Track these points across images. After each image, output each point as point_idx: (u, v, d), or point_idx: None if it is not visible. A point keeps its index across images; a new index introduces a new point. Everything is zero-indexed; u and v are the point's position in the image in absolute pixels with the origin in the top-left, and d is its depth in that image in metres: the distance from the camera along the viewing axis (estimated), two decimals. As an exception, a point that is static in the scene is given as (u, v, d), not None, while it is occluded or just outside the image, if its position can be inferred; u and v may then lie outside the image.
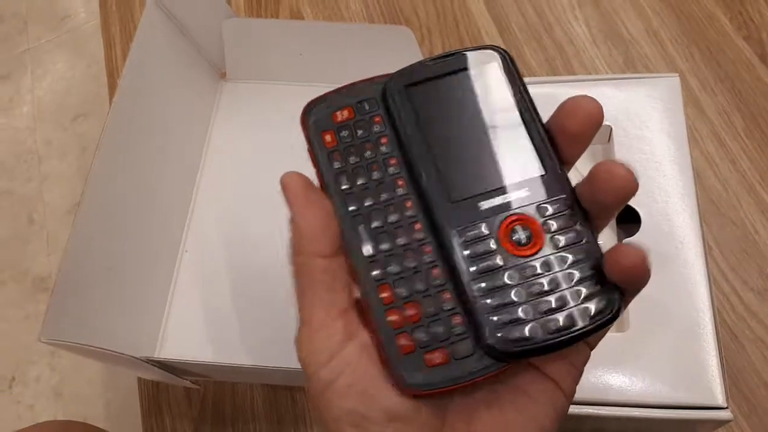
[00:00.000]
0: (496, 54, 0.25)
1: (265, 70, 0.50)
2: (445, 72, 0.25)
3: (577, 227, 0.22)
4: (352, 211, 0.24)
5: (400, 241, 0.23)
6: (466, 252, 0.22)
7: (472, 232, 0.23)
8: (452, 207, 0.23)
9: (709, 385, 0.34)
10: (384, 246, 0.23)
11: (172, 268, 0.45)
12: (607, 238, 0.41)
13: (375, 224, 0.23)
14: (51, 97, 0.81)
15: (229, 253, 0.45)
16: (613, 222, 0.41)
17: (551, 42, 0.56)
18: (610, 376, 0.35)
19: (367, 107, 0.25)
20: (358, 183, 0.24)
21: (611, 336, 0.37)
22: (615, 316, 0.21)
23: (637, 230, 0.38)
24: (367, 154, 0.24)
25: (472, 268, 0.22)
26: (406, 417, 0.22)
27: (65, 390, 0.60)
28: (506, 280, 0.22)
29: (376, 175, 0.24)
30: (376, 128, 0.25)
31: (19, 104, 0.81)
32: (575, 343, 0.21)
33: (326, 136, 0.25)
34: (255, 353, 0.41)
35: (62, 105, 0.80)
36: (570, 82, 0.43)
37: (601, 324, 0.21)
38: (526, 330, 0.21)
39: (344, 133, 0.25)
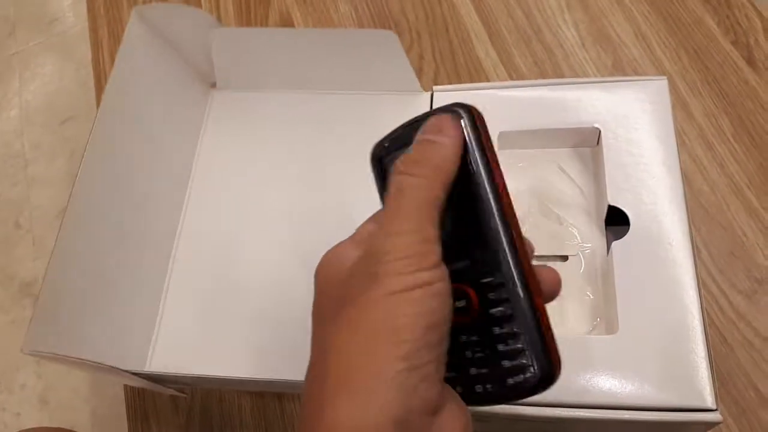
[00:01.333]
0: (461, 114, 0.25)
1: (254, 79, 0.49)
2: (412, 139, 0.25)
3: (507, 302, 0.24)
4: None
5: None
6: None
7: None
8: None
9: (698, 387, 0.34)
10: None
11: (162, 278, 0.44)
12: (596, 241, 0.41)
13: None
14: (39, 101, 0.80)
15: (221, 263, 0.44)
16: (602, 224, 0.41)
17: (540, 45, 0.56)
18: (600, 378, 0.35)
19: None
20: None
21: (601, 338, 0.37)
22: (539, 387, 0.23)
23: (626, 232, 0.38)
24: None
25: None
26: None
27: (51, 397, 0.59)
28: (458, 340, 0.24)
29: None
30: None
31: (6, 108, 0.81)
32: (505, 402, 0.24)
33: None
34: (248, 364, 0.40)
35: (50, 108, 0.79)
36: (559, 86, 0.43)
37: (524, 395, 0.23)
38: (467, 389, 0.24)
39: None
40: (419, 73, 0.56)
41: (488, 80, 0.55)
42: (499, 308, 0.24)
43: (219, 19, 0.63)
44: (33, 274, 0.67)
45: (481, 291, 0.24)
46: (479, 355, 0.24)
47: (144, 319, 0.42)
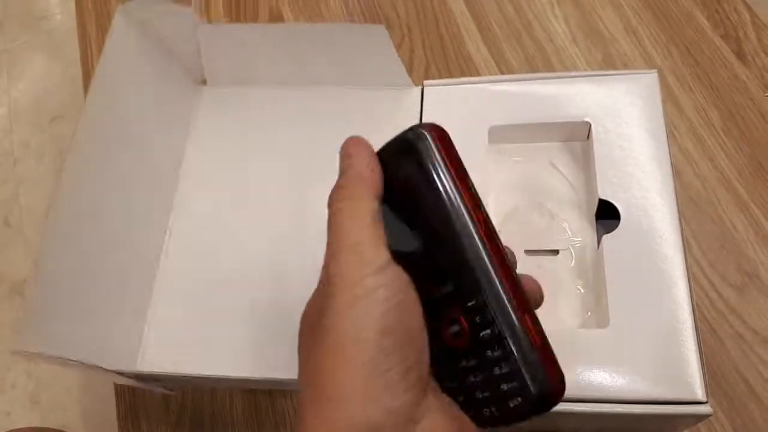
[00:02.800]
0: (424, 136, 0.25)
1: (242, 75, 0.49)
2: (389, 162, 0.26)
3: (495, 323, 0.23)
4: None
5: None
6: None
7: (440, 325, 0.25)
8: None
9: (688, 380, 0.34)
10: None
11: (151, 276, 0.44)
12: (587, 235, 0.41)
13: None
14: (28, 99, 0.80)
15: (210, 261, 0.44)
16: (592, 218, 0.41)
17: (530, 40, 0.56)
18: (590, 372, 0.35)
19: None
20: None
21: (591, 333, 0.37)
22: (541, 406, 0.23)
23: (616, 226, 0.38)
24: None
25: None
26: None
27: (42, 397, 0.59)
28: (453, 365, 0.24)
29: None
30: None
31: (-6, 106, 0.80)
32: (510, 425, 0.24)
33: None
34: (239, 363, 0.40)
35: (39, 106, 0.79)
36: (549, 80, 0.43)
37: (524, 416, 0.23)
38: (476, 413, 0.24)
39: None
40: (410, 68, 0.56)
41: (479, 75, 0.55)
42: (487, 331, 0.23)
43: (208, 15, 0.63)
44: (24, 274, 0.66)
45: (469, 314, 0.24)
46: (479, 378, 0.24)
47: (133, 319, 0.42)
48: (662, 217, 0.38)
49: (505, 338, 0.23)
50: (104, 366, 0.35)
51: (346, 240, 0.24)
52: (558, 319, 0.39)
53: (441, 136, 0.25)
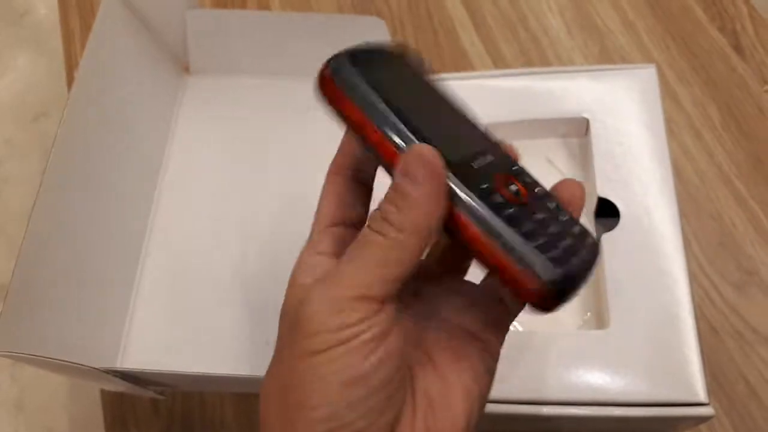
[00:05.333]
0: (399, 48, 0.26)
1: (230, 63, 0.48)
2: (381, 61, 0.25)
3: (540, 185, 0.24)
4: None
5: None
6: (493, 204, 0.22)
7: (486, 190, 0.23)
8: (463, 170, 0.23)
9: (690, 382, 0.34)
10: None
11: (133, 273, 0.43)
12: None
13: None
14: (11, 96, 0.78)
15: (195, 256, 0.43)
16: (591, 216, 0.40)
17: (526, 33, 0.55)
18: (591, 374, 0.34)
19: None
20: None
21: (591, 333, 0.37)
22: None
23: (616, 224, 0.37)
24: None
25: (495, 220, 0.22)
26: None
27: (27, 402, 0.58)
28: (528, 218, 0.22)
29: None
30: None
31: (-24, 103, 0.78)
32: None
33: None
34: (223, 361, 0.39)
35: (23, 103, 0.77)
36: (547, 74, 0.42)
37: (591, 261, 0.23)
38: (563, 260, 0.22)
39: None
40: (403, 62, 0.55)
41: (474, 69, 0.54)
42: (538, 187, 0.24)
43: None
44: (7, 275, 0.65)
45: (517, 176, 0.24)
46: (555, 229, 0.23)
47: (114, 316, 0.41)
48: (662, 215, 0.37)
49: (549, 195, 0.24)
50: (85, 363, 0.34)
51: (354, 278, 0.21)
52: (557, 319, 0.38)
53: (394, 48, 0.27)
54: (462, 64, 0.54)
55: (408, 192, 0.21)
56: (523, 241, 0.21)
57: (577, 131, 0.42)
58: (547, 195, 0.24)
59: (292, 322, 0.22)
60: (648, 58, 0.52)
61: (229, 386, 0.43)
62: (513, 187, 0.23)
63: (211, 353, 0.40)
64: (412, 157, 0.21)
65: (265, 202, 0.44)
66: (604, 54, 0.53)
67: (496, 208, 0.22)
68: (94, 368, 0.34)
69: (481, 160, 0.23)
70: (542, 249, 0.21)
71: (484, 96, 0.42)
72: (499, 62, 0.54)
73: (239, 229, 0.43)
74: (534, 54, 0.54)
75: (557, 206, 0.24)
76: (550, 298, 0.21)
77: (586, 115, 0.40)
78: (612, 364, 0.34)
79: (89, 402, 0.54)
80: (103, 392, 0.46)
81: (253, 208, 0.44)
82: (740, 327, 0.43)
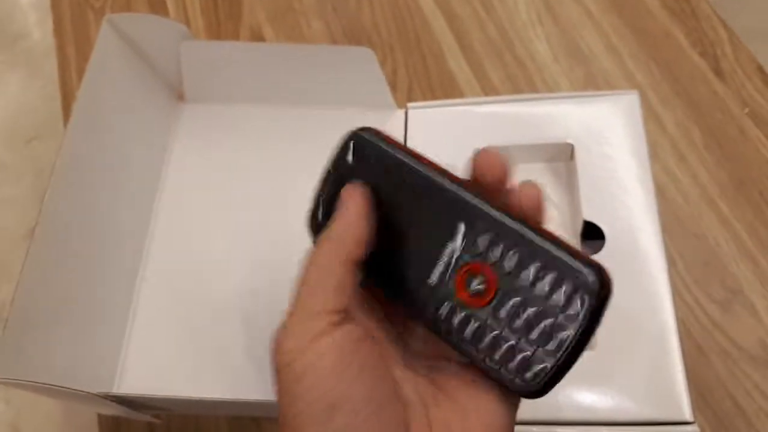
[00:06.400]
0: (356, 137, 0.26)
1: (225, 92, 0.49)
2: (347, 171, 0.26)
3: (515, 245, 0.22)
4: None
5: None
6: (450, 328, 0.23)
7: (443, 309, 0.23)
8: (419, 296, 0.24)
9: (676, 400, 0.34)
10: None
11: (130, 298, 0.43)
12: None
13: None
14: (3, 119, 0.78)
15: (191, 281, 0.44)
16: (577, 239, 0.41)
17: (512, 59, 0.56)
18: (579, 394, 0.35)
19: None
20: None
21: (579, 354, 0.37)
22: (603, 294, 0.21)
23: (602, 247, 0.38)
24: None
25: (462, 337, 0.23)
26: (374, 411, 0.22)
27: (22, 425, 0.57)
28: (490, 332, 0.22)
29: None
30: None
31: (-30, 127, 0.79)
32: (586, 344, 0.21)
33: None
34: (219, 385, 0.40)
35: (16, 127, 0.77)
36: (533, 100, 0.43)
37: (596, 309, 0.21)
38: (535, 365, 0.21)
39: None
40: (393, 87, 0.56)
41: (462, 94, 0.55)
42: (510, 253, 0.22)
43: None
44: (1, 298, 0.65)
45: (486, 258, 0.22)
46: (529, 312, 0.21)
47: (111, 341, 0.42)
48: (646, 237, 0.38)
49: (537, 250, 0.21)
50: (82, 388, 0.34)
51: (308, 292, 0.23)
52: (545, 340, 0.39)
53: (378, 132, 0.26)
54: (450, 89, 0.56)
55: (337, 215, 0.24)
56: (486, 360, 0.22)
57: (562, 156, 0.43)
58: (530, 254, 0.22)
59: (272, 368, 0.23)
60: (632, 82, 0.54)
61: (225, 410, 0.43)
62: (477, 284, 0.22)
63: (208, 377, 0.40)
64: (343, 192, 0.25)
65: (261, 229, 0.44)
66: (589, 78, 0.54)
67: (457, 330, 0.23)
68: (91, 393, 0.35)
69: (441, 264, 0.23)
70: (505, 362, 0.22)
71: (473, 122, 0.43)
72: (486, 87, 0.55)
73: (235, 255, 0.44)
74: (521, 79, 0.55)
75: (543, 264, 0.21)
76: (531, 396, 0.22)
77: (571, 141, 0.41)
78: (599, 384, 0.35)
79: (85, 426, 0.54)
80: (99, 417, 0.46)
81: (248, 235, 0.44)
82: (726, 345, 0.44)
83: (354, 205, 0.24)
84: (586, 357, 0.36)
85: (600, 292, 0.21)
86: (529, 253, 0.22)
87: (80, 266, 0.40)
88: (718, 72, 0.54)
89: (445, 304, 0.23)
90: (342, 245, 0.23)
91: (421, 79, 0.57)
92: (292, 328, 0.22)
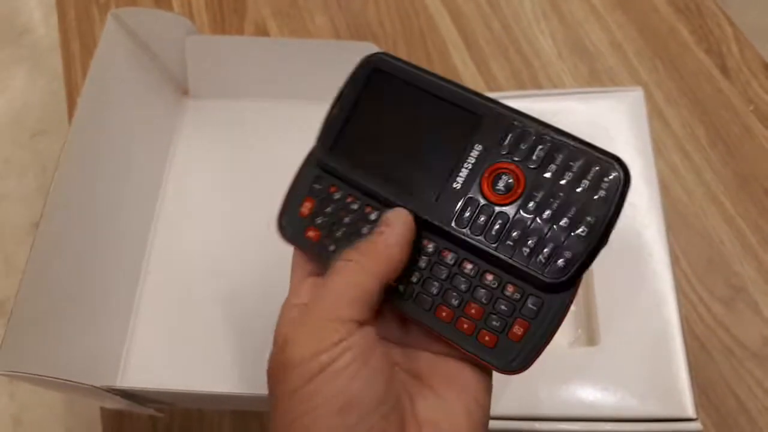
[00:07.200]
0: (375, 59, 0.26)
1: (229, 88, 0.49)
2: (349, 108, 0.26)
3: (539, 141, 0.23)
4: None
5: (423, 263, 0.24)
6: (476, 228, 0.23)
7: (467, 211, 0.23)
8: (439, 204, 0.24)
9: (679, 397, 0.34)
10: (414, 278, 0.24)
11: (133, 292, 0.43)
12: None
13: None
14: (9, 114, 0.79)
15: (194, 275, 0.44)
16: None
17: (517, 55, 0.56)
18: (581, 390, 0.35)
19: (319, 186, 0.26)
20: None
21: (582, 350, 0.37)
22: (627, 178, 0.22)
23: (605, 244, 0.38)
24: (348, 220, 0.25)
25: (489, 236, 0.23)
26: (385, 410, 0.22)
27: (25, 418, 0.58)
28: (519, 227, 0.23)
29: (366, 229, 0.25)
30: (338, 195, 0.26)
31: (-25, 122, 0.79)
32: (611, 231, 0.22)
33: (309, 233, 0.26)
34: (221, 379, 0.40)
35: (20, 122, 0.78)
36: (537, 97, 0.43)
37: (621, 194, 0.22)
38: (566, 252, 0.22)
39: (319, 221, 0.26)
40: (397, 83, 0.56)
41: (466, 91, 0.55)
42: (535, 149, 0.23)
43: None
44: (4, 292, 0.65)
45: (512, 151, 0.23)
46: (560, 199, 0.22)
47: (114, 335, 0.42)
48: (650, 234, 0.38)
49: (560, 144, 0.23)
50: (85, 382, 0.34)
51: (324, 305, 0.22)
52: (549, 337, 0.39)
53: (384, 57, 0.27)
54: (455, 85, 0.56)
55: (380, 230, 0.23)
56: (514, 256, 0.23)
57: (567, 152, 0.43)
58: (548, 153, 0.23)
59: (278, 368, 0.22)
60: (636, 80, 0.53)
61: (227, 404, 0.43)
62: (505, 182, 0.23)
63: (210, 371, 0.40)
64: (391, 213, 0.24)
65: (264, 224, 0.44)
66: (594, 75, 0.54)
67: (485, 230, 0.23)
68: (94, 386, 0.35)
69: (461, 175, 0.24)
70: (535, 254, 0.22)
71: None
72: (491, 84, 0.55)
73: (238, 250, 0.44)
74: (525, 75, 0.55)
75: (570, 151, 0.22)
76: (558, 287, 0.23)
77: (575, 137, 0.41)
78: (602, 381, 0.35)
79: (88, 420, 0.54)
80: (102, 410, 0.47)
81: (252, 230, 0.44)
82: (729, 342, 0.44)
83: (402, 226, 0.24)
84: (589, 353, 0.36)
85: (625, 176, 0.22)
86: (553, 148, 0.23)
87: (84, 260, 0.40)
88: (724, 69, 0.54)
89: (471, 206, 0.23)
90: (386, 265, 0.23)
91: (426, 75, 0.56)
92: (311, 328, 0.22)
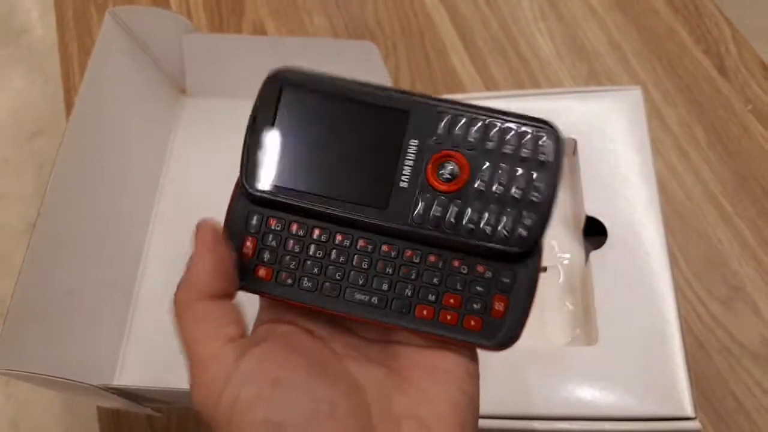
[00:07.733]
0: (280, 75, 0.26)
1: (226, 86, 0.49)
2: (267, 133, 0.26)
3: (470, 122, 0.23)
4: (333, 287, 0.24)
5: (390, 269, 0.24)
6: (434, 220, 0.23)
7: (421, 207, 0.23)
8: (390, 208, 0.24)
9: (677, 396, 0.34)
10: (384, 286, 0.24)
11: (131, 291, 0.43)
12: (574, 251, 0.41)
13: (361, 282, 0.24)
14: (6, 114, 0.79)
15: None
16: (579, 235, 0.41)
17: (516, 55, 0.56)
18: (580, 390, 0.35)
19: (255, 222, 0.26)
20: (315, 272, 0.25)
21: (580, 349, 0.37)
22: (558, 137, 0.23)
23: (604, 242, 0.38)
24: (297, 249, 0.25)
25: (449, 225, 0.23)
26: (324, 413, 0.21)
27: (22, 420, 0.58)
28: (476, 208, 0.23)
29: (320, 252, 0.25)
30: (279, 226, 0.25)
31: (-28, 122, 0.79)
32: (558, 188, 0.23)
33: (260, 272, 0.26)
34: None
35: (18, 122, 0.77)
36: (535, 96, 0.43)
37: (558, 151, 0.23)
38: (526, 220, 0.23)
39: (267, 257, 0.25)
40: (395, 83, 0.56)
41: (464, 91, 0.55)
42: (469, 130, 0.23)
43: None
44: (2, 292, 0.65)
45: (448, 144, 0.23)
46: (509, 175, 0.23)
47: (111, 334, 0.42)
48: (648, 233, 0.38)
49: (491, 121, 0.23)
50: (82, 380, 0.34)
51: (196, 354, 0.24)
52: (547, 336, 0.39)
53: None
54: (453, 85, 0.56)
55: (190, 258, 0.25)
56: (474, 239, 0.23)
57: (565, 151, 0.43)
58: (483, 131, 0.23)
59: (211, 417, 0.24)
60: (635, 80, 0.53)
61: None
62: (449, 169, 0.23)
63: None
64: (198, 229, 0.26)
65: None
66: (592, 75, 0.54)
67: (441, 221, 0.23)
68: (91, 385, 0.35)
69: (407, 166, 0.24)
70: (494, 229, 0.23)
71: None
72: (489, 83, 0.55)
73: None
74: (524, 75, 0.55)
75: (499, 135, 0.23)
76: (505, 348, 0.23)
77: (573, 136, 0.41)
78: (601, 380, 0.35)
79: (85, 420, 0.54)
80: (99, 409, 0.47)
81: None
82: (727, 342, 0.44)
83: (204, 235, 0.25)
84: (587, 352, 0.36)
85: (557, 135, 0.23)
86: (486, 126, 0.23)
87: (81, 259, 0.40)
88: (722, 69, 0.54)
89: (424, 201, 0.23)
90: (193, 285, 0.25)
91: (424, 75, 0.57)
92: (204, 371, 0.23)
